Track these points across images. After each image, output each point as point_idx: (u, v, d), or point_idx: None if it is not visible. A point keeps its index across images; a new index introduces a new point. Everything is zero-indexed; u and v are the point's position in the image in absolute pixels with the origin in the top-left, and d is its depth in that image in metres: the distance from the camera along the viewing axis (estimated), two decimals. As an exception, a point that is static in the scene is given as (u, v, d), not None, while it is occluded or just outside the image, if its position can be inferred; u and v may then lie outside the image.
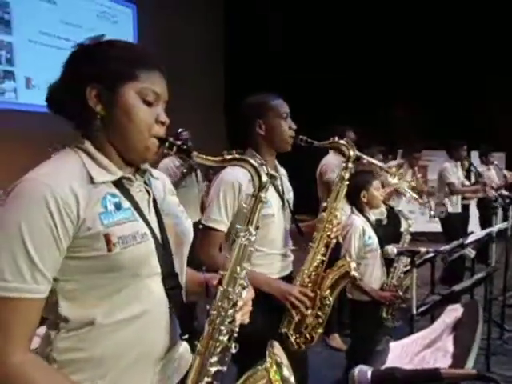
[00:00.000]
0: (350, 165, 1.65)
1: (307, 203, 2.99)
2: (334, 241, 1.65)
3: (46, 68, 6.34)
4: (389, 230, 2.96)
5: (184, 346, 0.93)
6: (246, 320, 0.91)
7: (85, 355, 0.79)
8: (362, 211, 2.19)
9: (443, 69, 6.37)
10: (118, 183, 0.83)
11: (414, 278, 1.99)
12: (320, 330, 1.63)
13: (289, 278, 1.63)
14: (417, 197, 3.38)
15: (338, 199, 1.64)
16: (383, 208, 2.81)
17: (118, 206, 0.81)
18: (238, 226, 0.87)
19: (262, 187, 0.86)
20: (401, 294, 2.14)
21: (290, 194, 1.70)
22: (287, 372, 0.80)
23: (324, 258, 1.62)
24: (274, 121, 1.55)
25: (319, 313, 1.61)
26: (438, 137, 5.50)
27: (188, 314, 0.91)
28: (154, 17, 6.93)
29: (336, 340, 3.16)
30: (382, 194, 2.26)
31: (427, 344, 1.07)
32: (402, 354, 1.30)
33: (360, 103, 6.29)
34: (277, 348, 0.85)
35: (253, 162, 0.87)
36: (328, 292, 1.61)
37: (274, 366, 0.79)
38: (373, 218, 2.24)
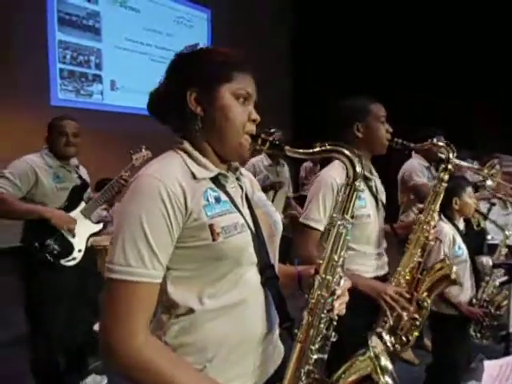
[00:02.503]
0: (450, 166, 1.62)
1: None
2: (432, 243, 1.65)
3: (129, 71, 6.90)
4: (470, 242, 2.74)
5: (277, 335, 0.97)
6: (343, 311, 0.90)
7: (192, 340, 0.84)
8: (451, 219, 2.05)
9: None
10: (215, 179, 0.89)
11: (512, 293, 1.83)
12: (416, 333, 1.63)
13: (384, 279, 1.64)
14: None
15: (436, 202, 1.64)
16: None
17: (217, 200, 0.86)
18: (334, 215, 0.87)
19: (356, 177, 0.85)
20: (492, 310, 1.97)
21: (383, 196, 1.73)
22: (385, 361, 0.80)
23: (421, 260, 1.62)
24: (373, 124, 1.58)
25: (415, 315, 1.61)
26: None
27: (285, 304, 0.93)
28: (228, 21, 7.14)
29: (408, 352, 3.02)
30: (475, 201, 2.09)
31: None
32: (501, 374, 1.20)
33: (444, 107, 5.96)
34: (375, 341, 0.85)
35: (346, 151, 0.85)
36: (425, 295, 1.61)
37: (374, 358, 0.80)
38: (462, 227, 2.08)
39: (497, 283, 2.06)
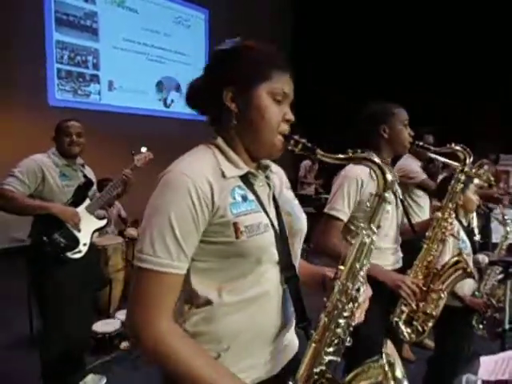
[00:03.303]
0: (466, 168, 1.75)
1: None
2: (450, 239, 1.78)
3: (126, 71, 6.87)
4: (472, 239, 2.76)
5: (292, 331, 1.00)
6: (362, 318, 0.92)
7: (210, 329, 0.88)
8: (455, 214, 2.09)
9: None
10: (243, 177, 0.90)
11: (508, 290, 1.87)
12: (431, 324, 1.71)
13: (400, 272, 1.73)
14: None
15: (453, 200, 1.75)
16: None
17: (244, 198, 0.88)
18: (361, 224, 0.87)
19: (386, 187, 0.85)
20: (494, 303, 2.01)
21: (400, 196, 1.83)
22: (400, 373, 0.78)
23: (437, 255, 1.73)
24: (397, 126, 1.70)
25: (432, 306, 1.70)
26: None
27: (302, 304, 0.94)
28: (226, 21, 7.13)
29: (405, 350, 3.03)
30: (478, 198, 2.15)
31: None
32: (496, 369, 1.21)
33: (439, 106, 5.99)
34: (390, 347, 0.83)
35: (377, 160, 0.86)
36: (441, 286, 1.71)
37: (387, 366, 0.78)
38: (465, 222, 2.13)
39: (497, 277, 2.10)
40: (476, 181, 2.58)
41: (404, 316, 1.66)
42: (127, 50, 6.35)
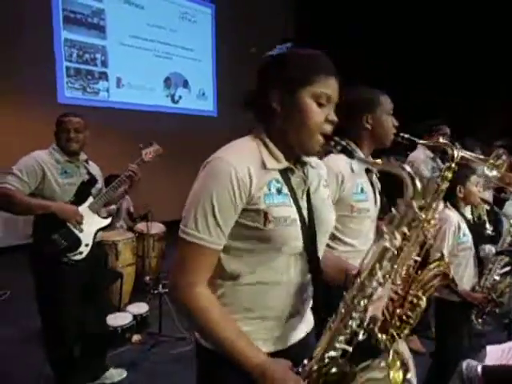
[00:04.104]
0: (454, 165, 1.58)
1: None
2: (431, 241, 1.64)
3: (134, 67, 6.87)
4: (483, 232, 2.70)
5: (307, 314, 1.10)
6: (379, 315, 1.00)
7: (230, 301, 1.00)
8: (456, 207, 2.07)
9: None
10: (282, 172, 0.99)
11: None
12: (406, 331, 1.59)
13: None
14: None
15: (438, 199, 1.57)
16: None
17: (279, 191, 0.97)
18: (385, 229, 0.92)
19: (415, 195, 0.90)
20: (494, 297, 1.99)
21: (377, 192, 1.70)
22: (411, 374, 0.83)
23: (418, 259, 1.50)
24: (382, 116, 1.56)
25: (409, 312, 1.58)
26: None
27: (320, 295, 1.03)
28: (232, 16, 7.11)
29: (415, 342, 3.04)
30: (480, 190, 2.10)
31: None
32: (502, 358, 1.23)
33: (455, 97, 5.93)
34: (402, 346, 0.88)
35: (411, 171, 0.90)
36: (420, 292, 1.59)
37: (398, 363, 0.83)
38: (468, 215, 2.11)
39: (500, 271, 2.08)
40: (494, 172, 2.51)
41: (379, 322, 1.59)
42: (134, 47, 6.38)
